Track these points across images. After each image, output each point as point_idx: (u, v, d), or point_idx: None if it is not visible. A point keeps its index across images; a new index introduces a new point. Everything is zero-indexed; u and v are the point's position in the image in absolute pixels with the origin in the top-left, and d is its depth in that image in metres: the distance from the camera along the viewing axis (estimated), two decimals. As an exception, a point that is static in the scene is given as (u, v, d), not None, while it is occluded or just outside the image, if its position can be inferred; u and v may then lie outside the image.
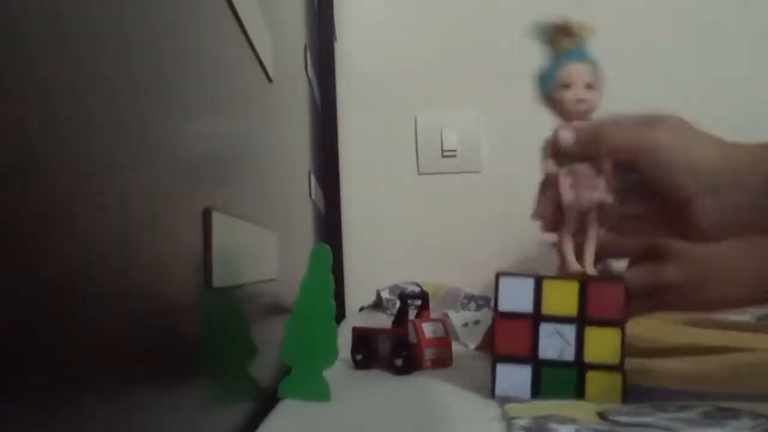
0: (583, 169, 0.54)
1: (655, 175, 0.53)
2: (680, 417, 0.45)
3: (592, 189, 0.54)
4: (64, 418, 0.25)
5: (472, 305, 1.20)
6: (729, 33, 1.57)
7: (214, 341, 0.48)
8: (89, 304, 0.27)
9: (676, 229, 0.54)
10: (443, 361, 0.68)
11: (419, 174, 1.63)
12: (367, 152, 1.63)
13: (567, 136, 0.55)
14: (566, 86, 0.55)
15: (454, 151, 1.61)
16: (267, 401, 0.56)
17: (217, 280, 0.46)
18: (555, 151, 0.55)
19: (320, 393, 0.54)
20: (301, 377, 0.55)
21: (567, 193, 0.54)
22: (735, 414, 0.45)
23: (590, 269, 0.55)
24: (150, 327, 0.35)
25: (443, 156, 1.62)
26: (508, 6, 1.63)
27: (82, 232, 0.27)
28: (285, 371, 0.56)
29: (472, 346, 0.86)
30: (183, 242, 0.41)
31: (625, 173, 0.55)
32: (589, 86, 0.56)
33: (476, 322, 0.96)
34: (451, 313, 1.01)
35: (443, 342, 0.69)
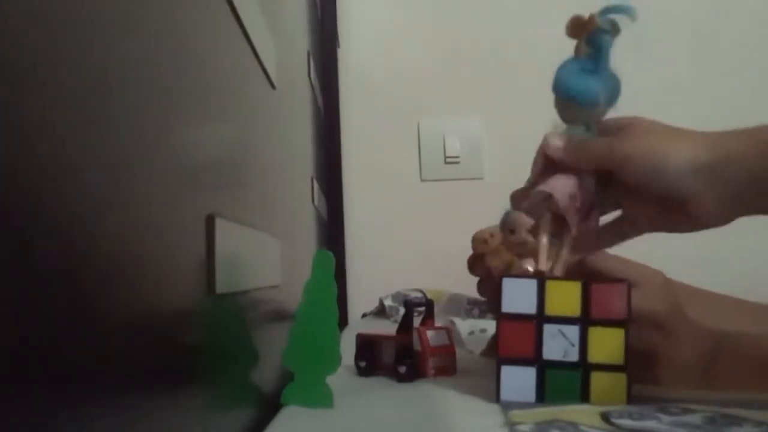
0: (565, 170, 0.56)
1: (645, 183, 0.53)
2: (683, 421, 0.45)
3: (551, 180, 0.56)
4: (65, 424, 0.25)
5: (476, 311, 1.20)
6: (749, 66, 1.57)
7: (217, 347, 0.48)
8: (92, 309, 0.28)
9: (680, 225, 0.54)
10: (447, 369, 0.68)
11: (422, 180, 1.64)
12: (370, 159, 1.64)
13: (556, 144, 0.56)
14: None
15: (457, 157, 1.61)
16: (270, 408, 0.56)
17: (220, 287, 0.46)
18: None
19: (323, 399, 0.54)
20: (304, 384, 0.55)
21: (532, 176, 0.58)
22: (738, 421, 0.45)
23: (557, 272, 0.56)
24: (153, 333, 0.35)
25: (446, 162, 1.62)
26: (511, 14, 1.63)
27: (84, 238, 0.27)
28: (288, 378, 0.56)
29: (477, 353, 0.86)
30: (186, 248, 0.41)
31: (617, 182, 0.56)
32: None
33: (482, 330, 0.96)
34: (457, 321, 1.01)
35: (447, 350, 0.69)
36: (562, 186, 0.55)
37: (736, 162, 0.51)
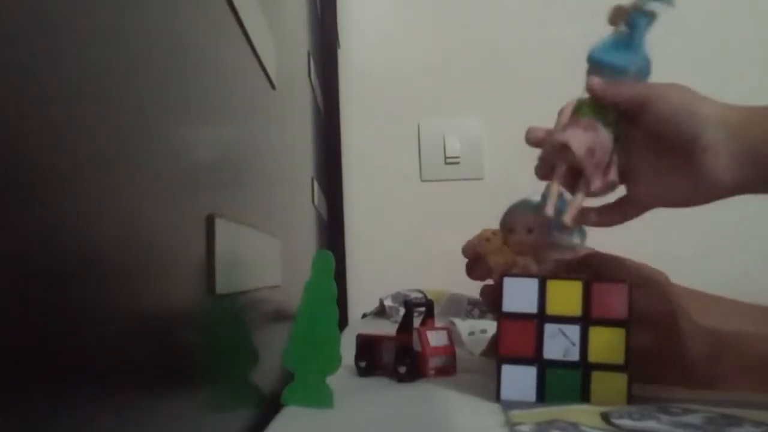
0: (586, 122, 0.58)
1: (670, 123, 0.55)
2: (683, 421, 0.45)
3: (571, 132, 0.58)
4: (65, 424, 0.25)
5: (476, 312, 1.20)
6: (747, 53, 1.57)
7: (217, 348, 0.48)
8: (92, 309, 0.28)
9: (687, 182, 0.55)
10: (447, 369, 0.68)
11: (422, 181, 1.64)
12: (370, 159, 1.64)
13: (597, 80, 0.59)
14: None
15: (457, 157, 1.61)
16: (270, 408, 0.56)
17: (221, 287, 0.46)
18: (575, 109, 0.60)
19: (323, 400, 0.54)
20: (304, 384, 0.55)
21: (537, 129, 0.60)
22: (738, 421, 0.45)
23: (567, 218, 0.58)
24: (153, 333, 0.35)
25: (446, 163, 1.62)
26: (511, 15, 1.63)
27: (84, 239, 0.27)
28: (288, 378, 0.56)
29: (477, 353, 0.86)
30: (186, 249, 0.41)
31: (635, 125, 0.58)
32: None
33: (483, 331, 0.96)
34: (458, 321, 1.01)
35: (447, 350, 0.69)
36: (578, 138, 0.57)
37: (758, 127, 0.52)
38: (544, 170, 0.60)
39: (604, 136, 0.57)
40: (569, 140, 0.57)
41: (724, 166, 0.53)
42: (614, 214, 0.60)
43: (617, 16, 0.59)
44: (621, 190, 0.61)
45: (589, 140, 0.57)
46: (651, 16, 0.58)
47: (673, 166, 0.55)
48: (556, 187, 0.59)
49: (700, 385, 0.58)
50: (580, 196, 0.58)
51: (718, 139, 0.53)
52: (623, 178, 0.60)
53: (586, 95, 0.60)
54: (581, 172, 0.58)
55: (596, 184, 0.57)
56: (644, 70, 0.59)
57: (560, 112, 0.60)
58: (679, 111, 0.54)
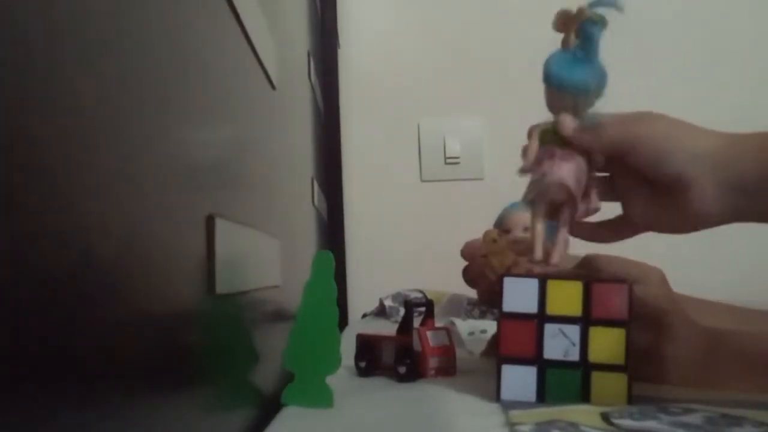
0: (562, 153, 0.55)
1: (652, 165, 0.54)
2: (683, 421, 0.45)
3: (556, 168, 0.55)
4: (65, 424, 0.25)
5: (476, 312, 1.20)
6: (739, 46, 1.57)
7: (217, 348, 0.48)
8: (92, 310, 0.27)
9: (676, 214, 0.55)
10: (447, 369, 0.68)
11: (422, 181, 1.64)
12: (370, 159, 1.64)
13: (569, 123, 0.56)
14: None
15: (457, 158, 1.61)
16: (270, 408, 0.56)
17: (220, 287, 0.46)
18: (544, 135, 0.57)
19: (323, 400, 0.54)
20: (304, 384, 0.55)
21: (526, 165, 0.56)
22: (738, 421, 0.45)
23: (554, 261, 0.56)
24: (153, 333, 0.35)
25: (446, 163, 1.62)
26: (512, 14, 1.63)
27: (84, 239, 0.27)
28: (288, 378, 0.56)
29: (477, 353, 0.86)
30: (186, 249, 0.41)
31: (621, 167, 0.56)
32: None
33: (483, 331, 0.96)
34: (458, 321, 1.01)
35: (447, 351, 0.69)
36: (567, 172, 0.55)
37: (745, 155, 0.52)
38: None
39: (581, 161, 0.56)
40: (562, 179, 0.54)
41: (710, 199, 0.53)
42: (607, 232, 0.60)
43: (565, 22, 0.55)
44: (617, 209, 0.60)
45: (573, 171, 0.55)
46: (603, 24, 0.54)
47: (662, 199, 0.55)
48: (541, 226, 0.56)
49: (698, 384, 0.58)
50: (563, 233, 0.57)
51: (704, 172, 0.52)
52: (619, 198, 0.59)
53: (547, 120, 0.57)
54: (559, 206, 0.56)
55: (579, 210, 0.56)
56: (602, 83, 0.56)
57: (528, 135, 0.57)
58: (661, 150, 0.54)
